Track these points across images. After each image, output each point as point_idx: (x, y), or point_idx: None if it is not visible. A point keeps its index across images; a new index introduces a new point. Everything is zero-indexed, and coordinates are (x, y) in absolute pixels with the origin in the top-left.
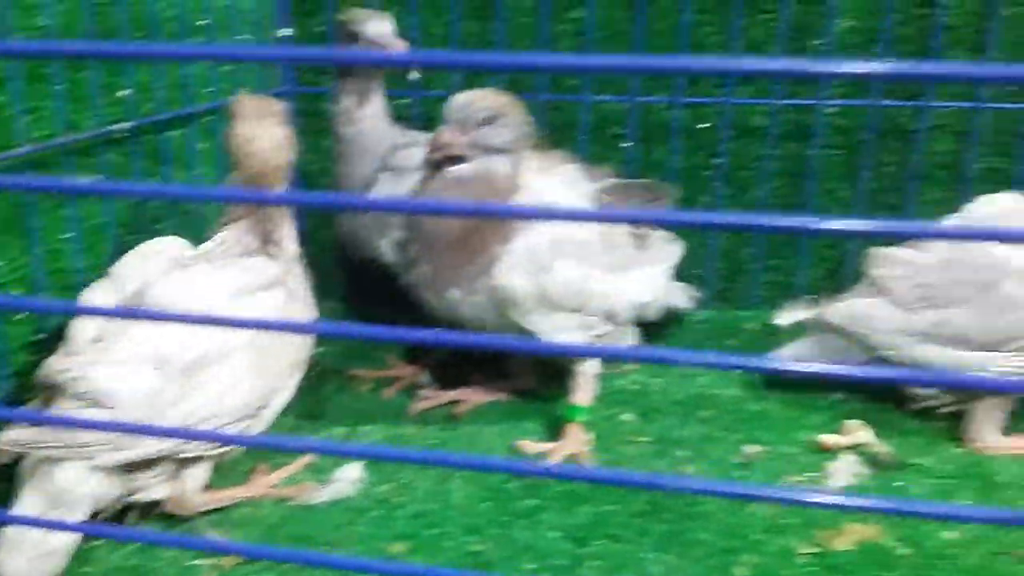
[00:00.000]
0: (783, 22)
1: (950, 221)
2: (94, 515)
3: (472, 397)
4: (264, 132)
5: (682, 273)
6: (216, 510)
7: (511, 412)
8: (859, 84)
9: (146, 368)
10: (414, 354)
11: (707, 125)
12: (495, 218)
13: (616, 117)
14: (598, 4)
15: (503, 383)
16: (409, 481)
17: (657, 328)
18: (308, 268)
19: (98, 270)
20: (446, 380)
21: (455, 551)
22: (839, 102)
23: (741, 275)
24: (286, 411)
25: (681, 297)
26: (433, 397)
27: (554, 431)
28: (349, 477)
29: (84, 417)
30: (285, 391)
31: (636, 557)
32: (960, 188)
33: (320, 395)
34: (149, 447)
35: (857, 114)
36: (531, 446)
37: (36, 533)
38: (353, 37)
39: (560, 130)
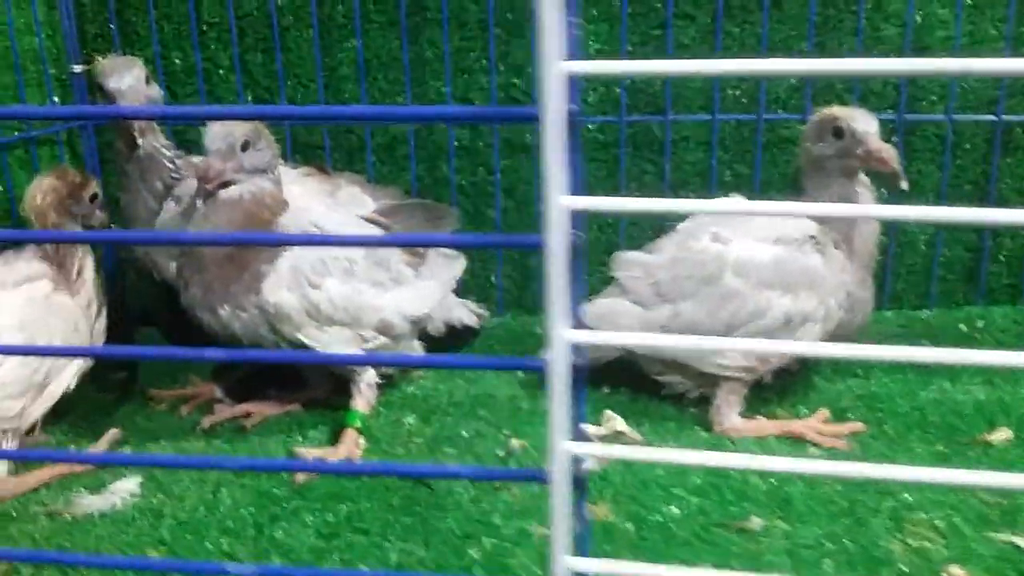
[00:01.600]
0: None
1: (683, 224)
2: None
3: (263, 410)
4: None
5: (474, 283)
6: None
7: (300, 422)
8: (613, 100)
9: None
10: (216, 373)
11: (483, 144)
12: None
13: (401, 139)
14: (372, 34)
15: (297, 395)
16: (182, 492)
17: (454, 338)
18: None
19: None
20: (243, 395)
21: (211, 551)
22: (595, 119)
23: (531, 282)
24: (78, 430)
25: (464, 313)
26: (224, 411)
27: (337, 438)
28: (123, 490)
29: None
30: (65, 372)
31: (380, 547)
32: (712, 192)
33: (114, 415)
34: None
35: (613, 129)
36: (307, 452)
37: None
38: (100, 88)
39: (351, 153)
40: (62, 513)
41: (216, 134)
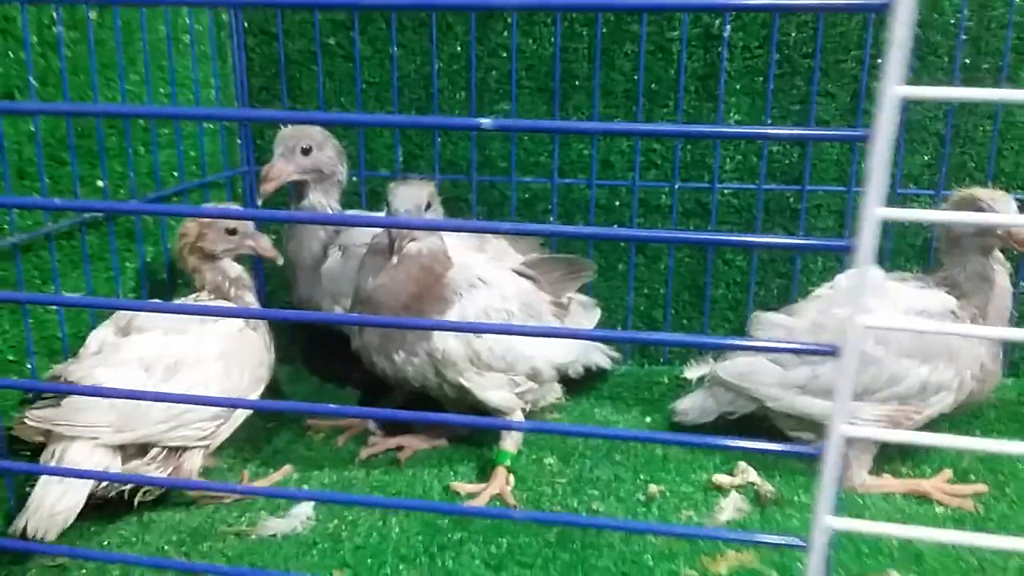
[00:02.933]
0: (680, 115)
1: (821, 290)
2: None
3: (414, 444)
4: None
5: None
6: (184, 542)
7: (448, 457)
8: (749, 169)
9: (136, 368)
10: (360, 402)
11: (619, 203)
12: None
13: (541, 195)
14: (523, 99)
15: (442, 431)
16: (354, 518)
17: (584, 382)
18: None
19: (79, 337)
20: (392, 429)
21: (390, 575)
22: (731, 185)
23: (656, 331)
24: (248, 457)
25: (600, 357)
26: (379, 444)
27: (484, 473)
28: (301, 514)
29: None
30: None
31: None
32: (841, 260)
33: (276, 444)
34: (140, 432)
35: (749, 195)
36: (462, 487)
37: (51, 497)
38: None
39: (492, 207)
40: (248, 534)
41: (406, 196)
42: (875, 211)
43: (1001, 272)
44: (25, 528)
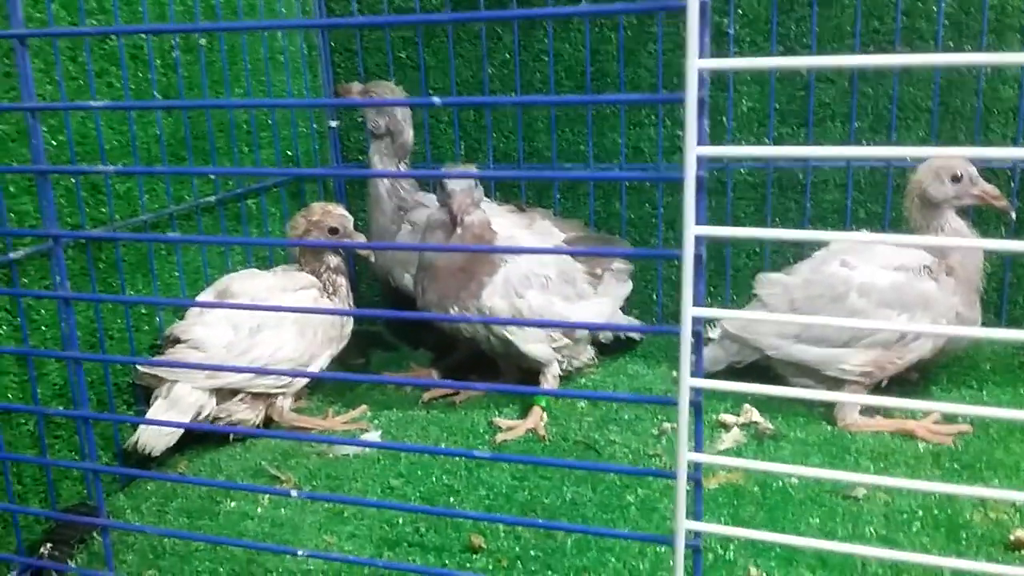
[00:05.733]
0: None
1: (819, 252)
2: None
3: (468, 390)
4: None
5: (639, 300)
6: (276, 459)
7: (496, 401)
8: None
9: (226, 327)
10: (431, 360)
11: (649, 184)
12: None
13: (582, 180)
14: (562, 95)
15: (494, 381)
16: (412, 442)
17: (622, 344)
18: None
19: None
20: (453, 379)
21: (435, 483)
22: (746, 164)
23: None
24: (330, 398)
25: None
26: (439, 390)
27: (525, 413)
28: (370, 439)
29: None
30: (322, 357)
31: (559, 488)
32: (847, 228)
33: (355, 390)
34: (228, 379)
35: (762, 173)
36: (503, 422)
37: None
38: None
39: (540, 191)
40: (327, 454)
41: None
42: (695, 150)
43: (968, 228)
44: (136, 442)
